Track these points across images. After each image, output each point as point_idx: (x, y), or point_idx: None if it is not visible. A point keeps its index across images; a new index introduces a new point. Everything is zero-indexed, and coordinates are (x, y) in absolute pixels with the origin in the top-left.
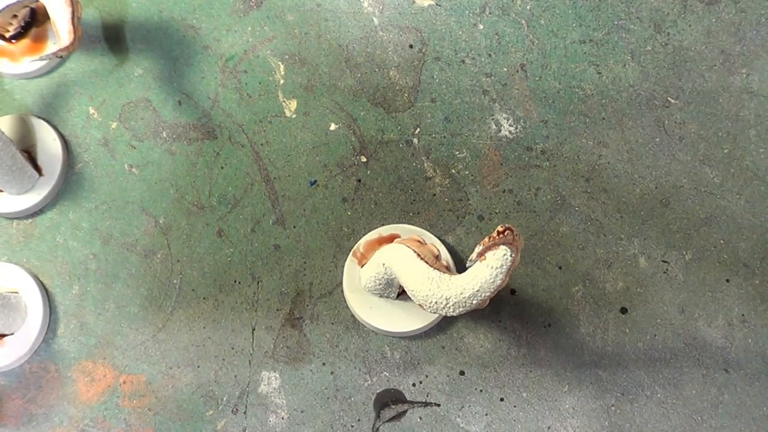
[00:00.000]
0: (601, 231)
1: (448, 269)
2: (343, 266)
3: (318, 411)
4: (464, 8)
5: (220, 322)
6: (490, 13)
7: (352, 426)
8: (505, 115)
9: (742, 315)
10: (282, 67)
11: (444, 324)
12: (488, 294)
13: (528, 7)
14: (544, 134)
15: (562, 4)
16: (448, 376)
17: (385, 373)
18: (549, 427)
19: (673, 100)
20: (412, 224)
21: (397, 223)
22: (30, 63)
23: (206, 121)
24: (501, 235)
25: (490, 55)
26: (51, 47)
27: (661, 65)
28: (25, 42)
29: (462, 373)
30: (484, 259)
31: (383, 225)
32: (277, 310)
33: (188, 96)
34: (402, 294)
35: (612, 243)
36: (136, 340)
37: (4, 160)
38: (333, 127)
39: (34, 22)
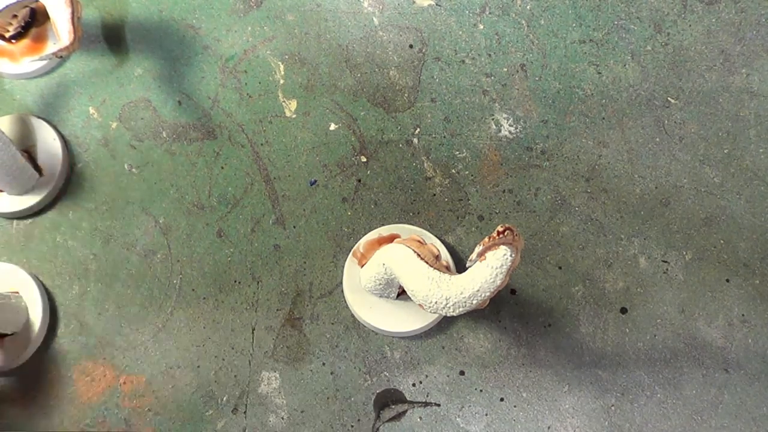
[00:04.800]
0: (601, 231)
1: (448, 269)
2: (343, 266)
3: (318, 411)
4: (464, 8)
5: (220, 322)
6: (490, 13)
7: (352, 426)
8: (505, 115)
9: (742, 315)
10: (282, 67)
11: (444, 324)
12: (488, 294)
13: (528, 7)
14: (544, 134)
15: (562, 4)
16: (448, 376)
17: (385, 373)
18: (549, 427)
19: (673, 100)
20: (412, 224)
21: (397, 223)
22: (30, 63)
23: (206, 121)
24: (501, 235)
25: (490, 55)
26: (51, 47)
27: (661, 65)
28: (25, 42)
29: (462, 373)
30: (484, 259)
31: (383, 225)
32: (277, 310)
33: (188, 96)
34: (402, 294)
35: (612, 243)
36: (136, 340)
37: (4, 161)
38: (333, 127)
39: (34, 22)
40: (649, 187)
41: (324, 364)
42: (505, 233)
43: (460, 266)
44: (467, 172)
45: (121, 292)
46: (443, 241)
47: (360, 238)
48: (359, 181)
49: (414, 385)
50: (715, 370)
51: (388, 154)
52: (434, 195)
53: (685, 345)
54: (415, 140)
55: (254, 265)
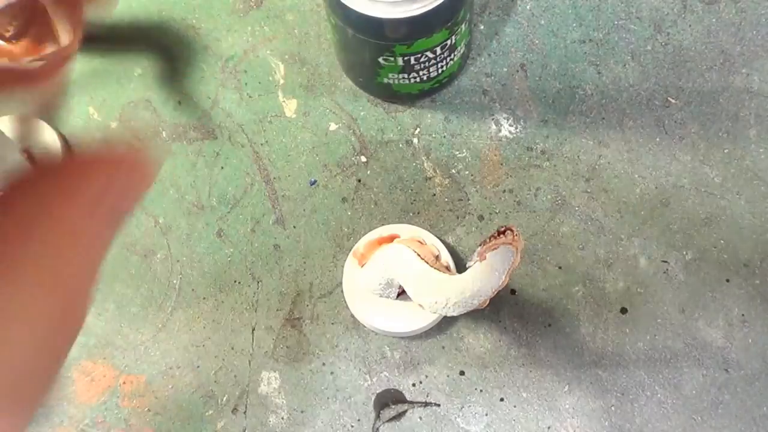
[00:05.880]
0: (601, 231)
1: (448, 269)
2: (343, 266)
3: (318, 411)
4: None
5: (220, 322)
6: (490, 13)
7: (352, 426)
8: (505, 115)
9: (742, 315)
10: (282, 67)
11: (444, 324)
12: (488, 294)
13: (528, 7)
14: (544, 134)
15: (562, 4)
16: (448, 376)
17: (385, 373)
18: (549, 427)
19: (673, 100)
20: (412, 224)
21: (397, 223)
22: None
23: (206, 121)
24: (501, 235)
25: (490, 55)
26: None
27: (661, 65)
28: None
29: (462, 373)
30: (485, 259)
31: (383, 225)
32: (277, 310)
33: (188, 96)
34: (402, 294)
35: (612, 243)
36: (136, 340)
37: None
38: (333, 127)
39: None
40: (649, 187)
41: (324, 364)
42: (505, 233)
43: (460, 266)
44: (467, 172)
45: (121, 292)
46: (443, 241)
47: (360, 238)
48: (359, 181)
49: (414, 385)
50: (715, 370)
51: (388, 154)
52: (434, 195)
53: (685, 345)
54: (415, 140)
55: (254, 265)
